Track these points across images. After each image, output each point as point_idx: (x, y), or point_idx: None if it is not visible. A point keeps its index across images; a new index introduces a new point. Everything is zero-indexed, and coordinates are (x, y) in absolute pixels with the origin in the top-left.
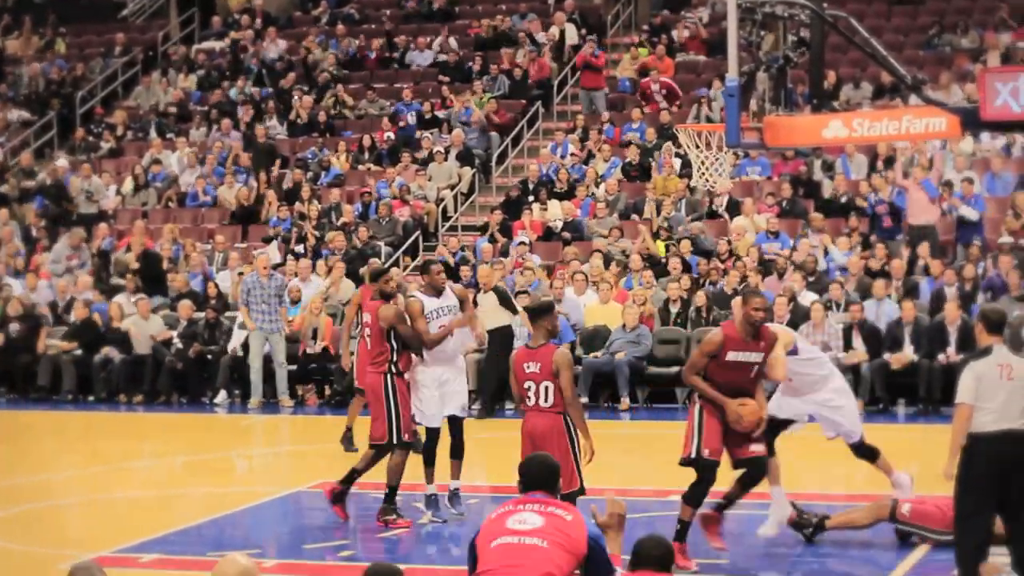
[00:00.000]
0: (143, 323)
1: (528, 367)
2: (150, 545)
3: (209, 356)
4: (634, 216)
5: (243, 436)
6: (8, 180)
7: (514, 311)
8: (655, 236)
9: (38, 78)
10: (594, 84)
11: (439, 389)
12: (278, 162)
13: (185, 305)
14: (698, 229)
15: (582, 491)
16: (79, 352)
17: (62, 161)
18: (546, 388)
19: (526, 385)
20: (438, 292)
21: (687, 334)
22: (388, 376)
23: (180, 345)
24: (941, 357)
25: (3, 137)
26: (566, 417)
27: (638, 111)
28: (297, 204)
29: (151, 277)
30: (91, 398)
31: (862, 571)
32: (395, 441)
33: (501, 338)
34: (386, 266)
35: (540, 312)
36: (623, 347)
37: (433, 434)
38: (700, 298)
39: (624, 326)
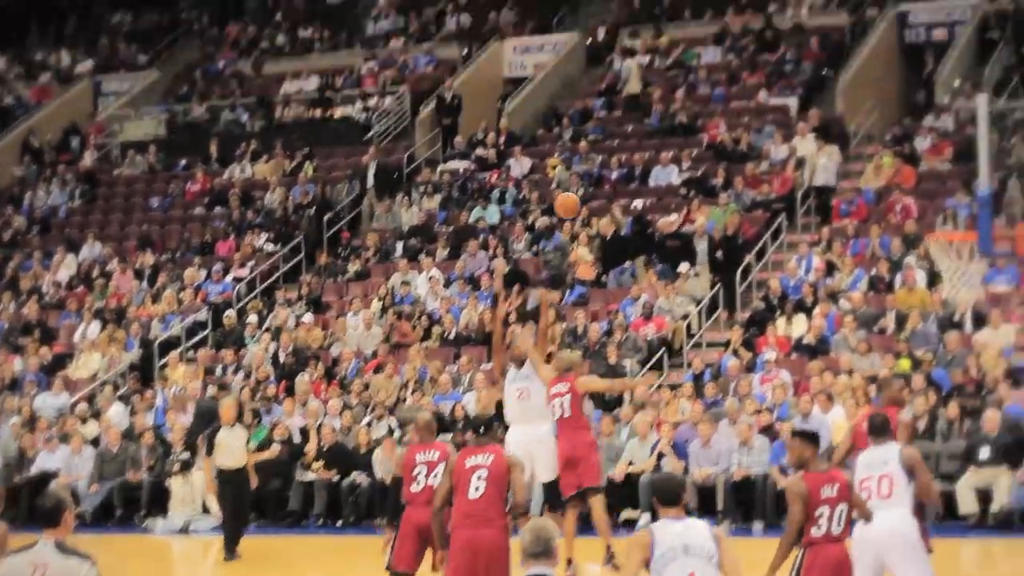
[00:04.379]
0: (385, 459)
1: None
2: None
3: None
4: (883, 330)
5: None
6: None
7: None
8: (896, 355)
9: (286, 203)
10: None
11: None
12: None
13: None
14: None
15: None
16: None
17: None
18: None
19: None
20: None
21: (936, 448)
22: None
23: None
24: None
25: (252, 262)
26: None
27: (883, 223)
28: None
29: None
30: (339, 523)
31: None
32: None
33: None
34: None
35: None
36: None
37: None
38: (953, 409)
39: None
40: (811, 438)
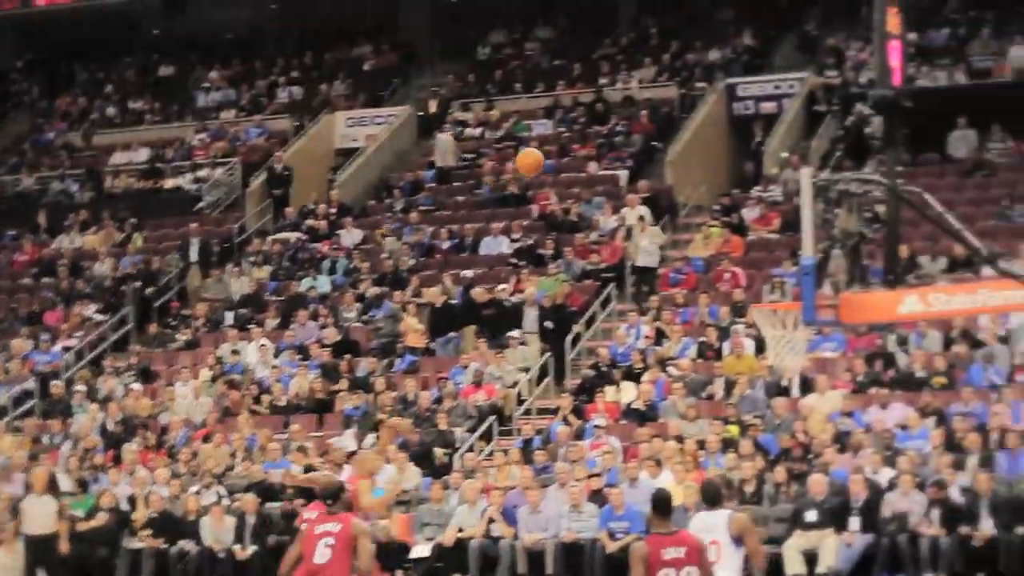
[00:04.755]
0: (213, 526)
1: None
2: None
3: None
4: (711, 396)
5: None
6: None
7: None
8: (724, 421)
9: (115, 273)
10: None
11: None
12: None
13: (249, 500)
14: None
15: None
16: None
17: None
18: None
19: None
20: None
21: (764, 512)
22: None
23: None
24: (1021, 530)
25: (80, 331)
26: None
27: (712, 292)
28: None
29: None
30: None
31: None
32: None
33: None
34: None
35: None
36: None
37: None
38: (780, 473)
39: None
40: (656, 505)
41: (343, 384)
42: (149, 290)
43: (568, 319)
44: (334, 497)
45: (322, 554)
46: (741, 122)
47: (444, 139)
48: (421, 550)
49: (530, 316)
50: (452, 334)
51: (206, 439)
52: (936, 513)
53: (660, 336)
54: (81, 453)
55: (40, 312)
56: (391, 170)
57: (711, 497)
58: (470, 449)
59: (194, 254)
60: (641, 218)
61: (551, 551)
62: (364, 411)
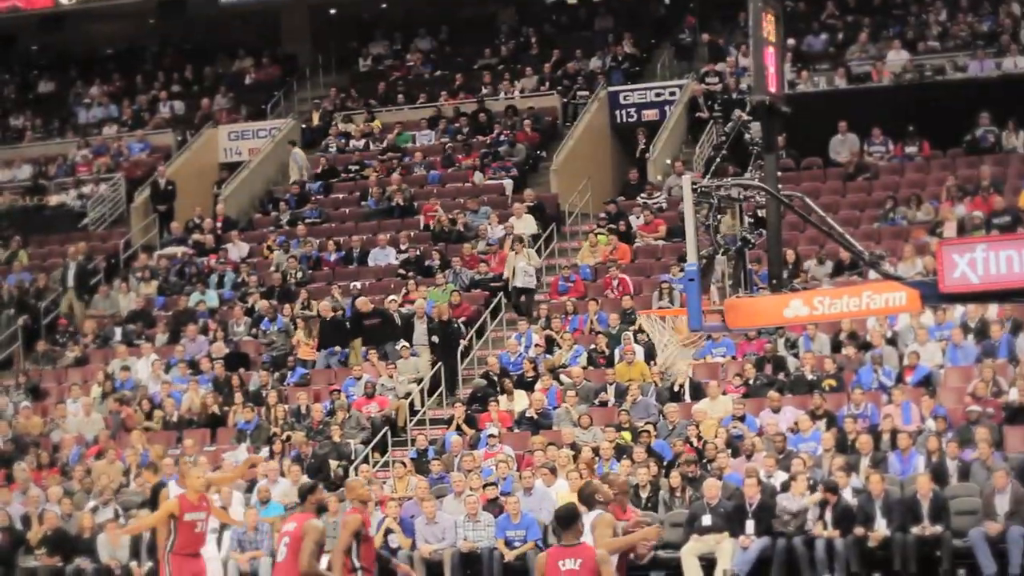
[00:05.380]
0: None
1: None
2: None
3: None
4: (604, 403)
5: None
6: None
7: None
8: (617, 428)
9: (0, 291)
10: None
11: None
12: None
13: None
14: None
15: None
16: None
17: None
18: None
19: None
20: None
21: (660, 517)
22: None
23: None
24: (915, 530)
25: None
26: None
27: (601, 299)
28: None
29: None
30: None
31: None
32: None
33: None
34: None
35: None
36: None
37: None
38: (675, 479)
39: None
40: (558, 519)
41: (236, 398)
42: (43, 302)
43: (455, 334)
44: (301, 498)
45: (280, 553)
46: (624, 130)
47: (299, 154)
48: None
49: (420, 328)
50: (338, 348)
51: (99, 456)
52: (829, 515)
53: (550, 344)
54: None
55: None
56: (276, 183)
57: (583, 499)
58: (365, 460)
59: (71, 279)
60: (520, 240)
61: (449, 561)
62: (257, 425)
